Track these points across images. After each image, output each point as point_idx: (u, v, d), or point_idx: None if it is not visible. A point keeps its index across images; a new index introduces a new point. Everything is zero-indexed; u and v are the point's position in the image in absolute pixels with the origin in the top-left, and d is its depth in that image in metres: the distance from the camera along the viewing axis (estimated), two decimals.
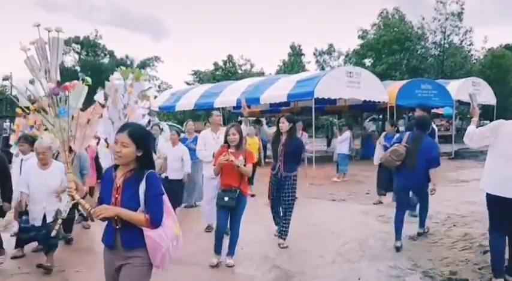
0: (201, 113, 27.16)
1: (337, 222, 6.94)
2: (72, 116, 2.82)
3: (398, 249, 5.27)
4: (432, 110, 15.30)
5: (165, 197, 2.68)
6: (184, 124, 8.36)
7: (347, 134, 11.72)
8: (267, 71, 43.73)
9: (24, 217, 4.91)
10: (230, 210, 4.83)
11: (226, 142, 4.89)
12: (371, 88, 14.65)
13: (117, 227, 2.57)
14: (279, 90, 14.37)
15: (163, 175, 6.81)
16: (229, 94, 15.80)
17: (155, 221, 2.55)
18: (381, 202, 8.06)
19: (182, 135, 8.37)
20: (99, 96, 5.52)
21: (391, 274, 4.63)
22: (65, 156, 2.75)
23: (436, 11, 31.24)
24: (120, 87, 5.42)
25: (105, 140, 5.69)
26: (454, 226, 6.47)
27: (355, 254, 5.29)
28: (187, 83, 39.10)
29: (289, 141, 5.51)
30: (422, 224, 5.92)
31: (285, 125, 5.49)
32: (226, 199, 4.72)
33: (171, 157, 7.07)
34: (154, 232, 2.55)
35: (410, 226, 5.92)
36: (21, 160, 5.81)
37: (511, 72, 30.93)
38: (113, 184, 2.63)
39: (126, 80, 5.48)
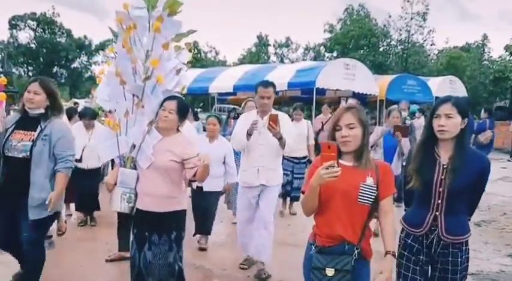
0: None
1: None
2: None
3: None
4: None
5: None
6: (243, 104, 5.84)
7: None
8: (230, 60, 43.42)
9: None
10: None
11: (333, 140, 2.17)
12: (365, 81, 15.01)
13: None
14: (278, 79, 14.34)
15: (194, 185, 4.67)
16: (224, 80, 15.58)
17: None
18: None
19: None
20: (101, 92, 3.34)
21: (476, 256, 4.76)
22: None
23: (403, 9, 32.46)
24: (142, 20, 3.01)
25: (108, 111, 3.36)
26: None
27: None
28: None
29: (459, 159, 2.35)
30: None
31: (452, 123, 2.34)
32: (330, 272, 2.10)
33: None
34: None
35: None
36: None
37: (466, 73, 33.00)
38: None
39: (152, 10, 3.01)
